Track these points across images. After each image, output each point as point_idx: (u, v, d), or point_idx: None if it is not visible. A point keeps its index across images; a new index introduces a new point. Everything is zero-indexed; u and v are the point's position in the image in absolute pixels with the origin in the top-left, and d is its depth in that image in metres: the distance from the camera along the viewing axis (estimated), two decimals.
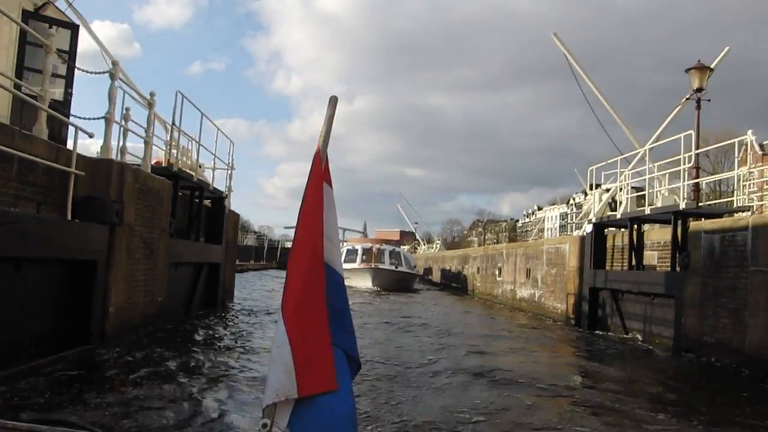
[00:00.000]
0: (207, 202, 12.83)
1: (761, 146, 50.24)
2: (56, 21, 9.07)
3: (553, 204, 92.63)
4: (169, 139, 9.71)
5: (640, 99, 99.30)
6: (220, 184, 13.97)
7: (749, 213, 10.23)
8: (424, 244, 56.69)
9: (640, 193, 13.66)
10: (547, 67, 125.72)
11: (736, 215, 9.32)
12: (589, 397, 6.53)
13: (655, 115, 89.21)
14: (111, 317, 7.17)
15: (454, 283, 30.97)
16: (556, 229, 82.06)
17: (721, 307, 8.64)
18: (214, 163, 12.84)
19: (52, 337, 6.19)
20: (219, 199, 13.19)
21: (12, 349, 5.51)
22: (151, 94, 9.06)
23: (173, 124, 9.67)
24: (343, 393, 1.59)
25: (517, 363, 8.56)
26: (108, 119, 7.48)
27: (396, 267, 27.37)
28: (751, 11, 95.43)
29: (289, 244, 73.39)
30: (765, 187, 17.07)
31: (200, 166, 12.06)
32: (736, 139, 12.14)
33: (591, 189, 16.99)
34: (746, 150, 50.28)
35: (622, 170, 14.11)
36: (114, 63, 7.67)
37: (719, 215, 10.20)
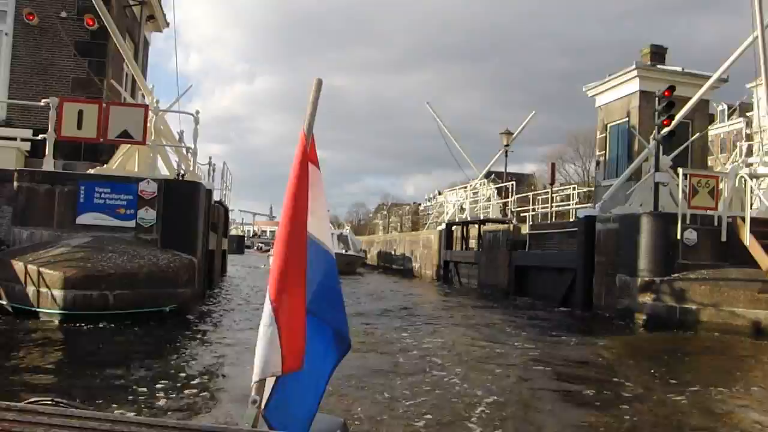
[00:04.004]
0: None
1: None
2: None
3: (453, 188, 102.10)
4: (222, 182, 18.17)
5: (543, 85, 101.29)
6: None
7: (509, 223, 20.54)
8: (335, 228, 63.35)
9: (475, 204, 23.82)
10: (449, 47, 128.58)
11: (500, 224, 19.45)
12: (441, 303, 16.16)
13: (560, 101, 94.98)
14: (215, 277, 15.65)
15: (390, 264, 33.14)
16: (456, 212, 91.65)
17: (492, 266, 18.77)
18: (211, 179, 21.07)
19: (206, 283, 14.61)
20: (226, 208, 21.45)
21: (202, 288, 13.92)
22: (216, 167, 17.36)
23: (222, 177, 18.10)
24: (318, 375, 1.67)
25: (405, 294, 18.15)
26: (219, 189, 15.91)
27: (346, 251, 28.17)
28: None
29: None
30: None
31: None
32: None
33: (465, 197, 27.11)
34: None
35: (464, 187, 24.29)
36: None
37: (502, 222, 20.34)
